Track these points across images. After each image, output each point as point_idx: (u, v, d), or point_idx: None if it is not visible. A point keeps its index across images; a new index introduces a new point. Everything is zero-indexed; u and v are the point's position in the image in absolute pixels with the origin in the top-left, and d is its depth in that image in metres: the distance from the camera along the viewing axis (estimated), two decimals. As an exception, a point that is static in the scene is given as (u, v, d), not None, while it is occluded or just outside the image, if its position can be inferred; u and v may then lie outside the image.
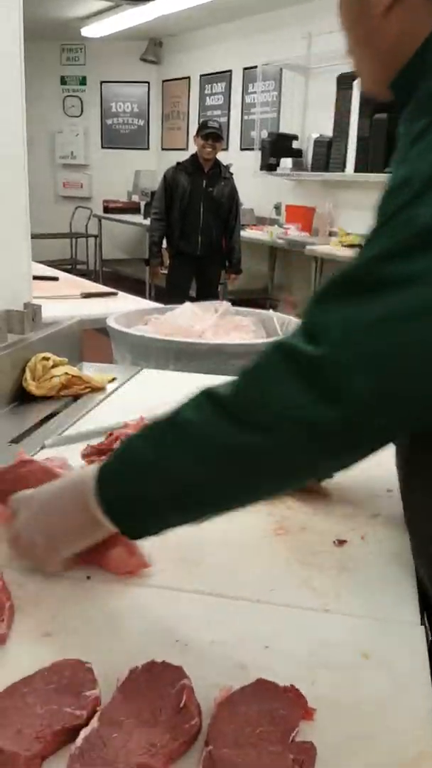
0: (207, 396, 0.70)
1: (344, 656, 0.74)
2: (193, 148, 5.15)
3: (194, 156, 5.06)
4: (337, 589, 0.86)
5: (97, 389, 1.59)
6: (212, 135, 4.86)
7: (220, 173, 5.10)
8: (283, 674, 0.69)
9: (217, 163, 5.07)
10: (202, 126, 4.97)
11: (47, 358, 1.56)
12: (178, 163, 5.07)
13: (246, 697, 0.65)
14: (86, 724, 0.61)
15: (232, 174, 5.17)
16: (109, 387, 1.63)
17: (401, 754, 0.61)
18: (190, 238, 5.05)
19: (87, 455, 1.17)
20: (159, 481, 0.71)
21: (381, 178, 5.26)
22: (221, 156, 5.14)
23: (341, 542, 0.96)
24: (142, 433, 0.74)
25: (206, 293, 5.13)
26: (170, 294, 5.04)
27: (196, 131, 5.00)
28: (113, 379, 1.67)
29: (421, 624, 0.81)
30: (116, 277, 7.57)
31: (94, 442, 1.21)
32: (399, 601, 0.85)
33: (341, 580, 0.88)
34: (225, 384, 0.70)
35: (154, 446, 0.71)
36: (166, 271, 5.23)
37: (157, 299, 4.23)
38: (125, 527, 0.75)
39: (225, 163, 5.17)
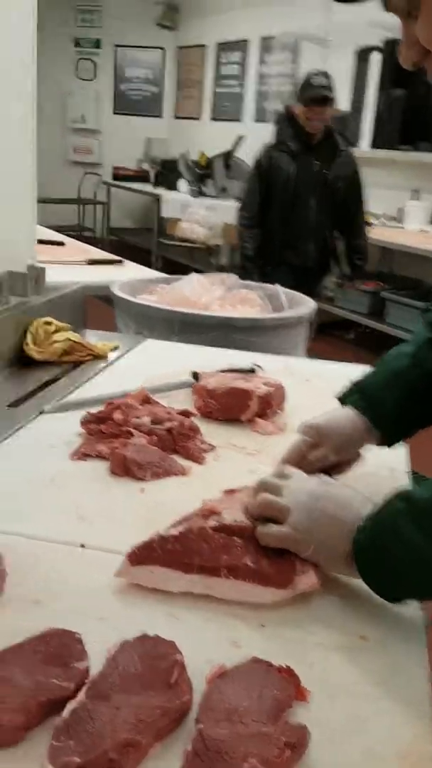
0: None
1: (341, 638, 0.73)
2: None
3: (294, 123, 3.41)
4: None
5: (99, 357, 1.57)
6: (318, 100, 3.29)
7: (336, 145, 3.47)
8: (278, 654, 0.68)
9: (329, 132, 3.47)
10: (305, 86, 3.36)
11: (49, 323, 1.53)
12: (279, 141, 3.47)
13: (239, 676, 0.63)
14: (73, 696, 0.59)
15: (352, 144, 3.82)
16: (111, 356, 1.60)
17: (397, 738, 0.60)
18: (299, 245, 3.50)
19: (86, 422, 1.15)
20: (420, 566, 0.69)
21: (396, 155, 5.19)
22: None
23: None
24: (407, 509, 0.70)
25: None
26: None
27: (298, 94, 3.41)
28: (116, 348, 1.64)
29: (420, 608, 0.79)
30: (123, 245, 7.50)
31: (94, 410, 1.19)
32: (398, 583, 0.83)
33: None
34: None
35: (422, 535, 0.68)
36: None
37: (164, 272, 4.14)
38: (376, 590, 0.74)
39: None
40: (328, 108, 3.32)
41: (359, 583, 0.80)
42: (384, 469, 1.06)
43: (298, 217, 3.43)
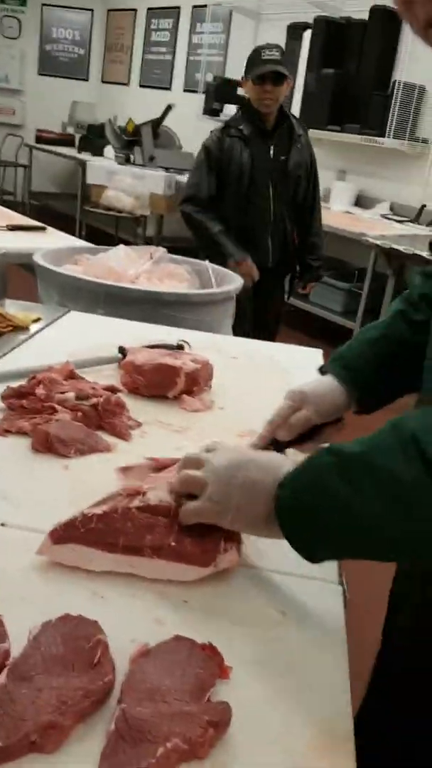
0: (417, 448, 0.62)
1: (262, 614, 0.74)
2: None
3: (247, 107, 2.98)
4: (256, 545, 0.85)
5: (20, 329, 1.52)
6: (271, 77, 2.82)
7: (292, 129, 3.03)
8: (201, 631, 0.68)
9: (283, 114, 3.01)
10: (255, 61, 2.86)
11: (-31, 292, 1.48)
12: (227, 125, 3.02)
13: (162, 655, 0.64)
14: (-6, 678, 0.58)
15: (306, 129, 3.21)
16: (33, 327, 1.56)
17: (317, 713, 0.62)
18: (257, 243, 3.02)
19: (6, 397, 1.12)
20: (348, 523, 0.66)
21: (323, 135, 5.23)
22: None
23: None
24: (335, 463, 0.68)
25: (264, 319, 3.23)
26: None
27: (245, 68, 2.94)
28: (38, 320, 1.60)
29: (339, 583, 0.81)
30: (45, 211, 7.28)
31: (15, 384, 1.16)
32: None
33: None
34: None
35: (351, 489, 0.65)
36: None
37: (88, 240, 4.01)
38: (299, 550, 0.71)
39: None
40: (282, 86, 2.85)
41: (280, 559, 0.81)
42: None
43: (254, 209, 2.98)
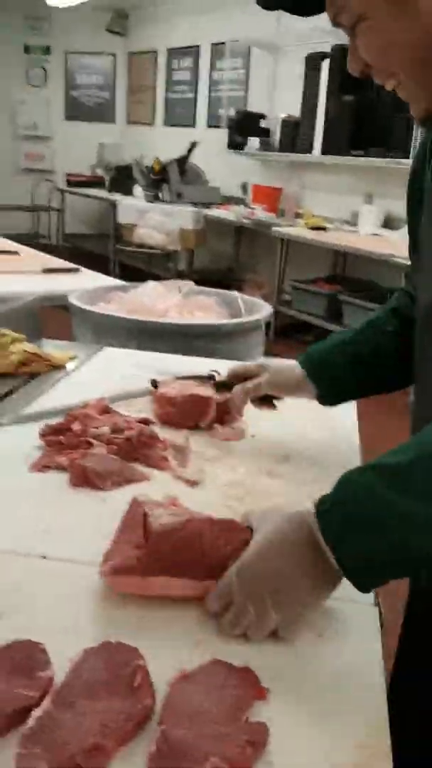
0: None
1: (299, 635, 0.75)
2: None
3: None
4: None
5: (57, 367, 1.57)
6: None
7: None
8: (238, 653, 0.70)
9: None
10: None
11: (4, 335, 1.53)
12: None
13: (200, 678, 0.65)
14: (39, 704, 0.60)
15: None
16: (70, 365, 1.60)
17: (354, 733, 0.62)
18: None
19: (44, 434, 1.16)
20: (411, 536, 0.64)
21: (347, 160, 5.28)
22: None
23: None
24: (380, 477, 0.65)
25: None
26: None
27: None
28: (74, 358, 1.65)
29: (375, 605, 0.82)
30: (79, 252, 7.46)
31: (53, 421, 1.20)
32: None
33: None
34: None
35: (412, 499, 0.63)
36: None
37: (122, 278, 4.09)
38: (357, 583, 0.68)
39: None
40: None
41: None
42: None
43: None
